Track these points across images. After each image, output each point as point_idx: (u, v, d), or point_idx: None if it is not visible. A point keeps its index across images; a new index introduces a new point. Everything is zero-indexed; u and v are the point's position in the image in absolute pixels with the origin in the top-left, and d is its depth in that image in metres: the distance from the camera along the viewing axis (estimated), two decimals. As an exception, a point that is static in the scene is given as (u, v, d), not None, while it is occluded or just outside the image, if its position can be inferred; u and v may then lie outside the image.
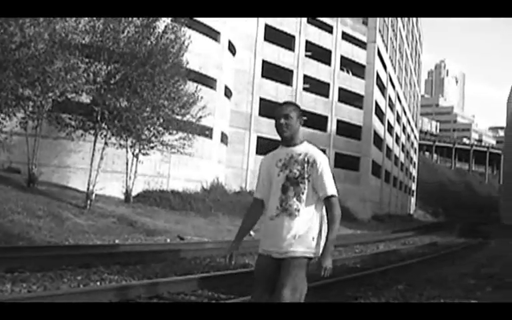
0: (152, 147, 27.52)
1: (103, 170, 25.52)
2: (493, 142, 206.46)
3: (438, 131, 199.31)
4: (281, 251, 4.83)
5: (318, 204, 4.93)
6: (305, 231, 4.81)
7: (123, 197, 28.84)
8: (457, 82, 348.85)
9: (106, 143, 25.07)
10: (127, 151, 27.40)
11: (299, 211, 4.82)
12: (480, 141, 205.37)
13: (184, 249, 16.48)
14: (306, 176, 4.87)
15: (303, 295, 4.77)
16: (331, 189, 4.87)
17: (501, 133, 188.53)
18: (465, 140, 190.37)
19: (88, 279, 10.89)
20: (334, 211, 4.85)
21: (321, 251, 4.84)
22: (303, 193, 4.85)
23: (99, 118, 24.48)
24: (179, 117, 27.93)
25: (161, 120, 26.70)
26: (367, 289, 11.76)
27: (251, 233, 28.99)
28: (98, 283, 10.62)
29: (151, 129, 26.65)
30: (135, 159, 28.17)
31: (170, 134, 27.91)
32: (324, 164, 4.91)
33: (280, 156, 5.01)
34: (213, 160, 38.69)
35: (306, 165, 4.88)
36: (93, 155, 24.58)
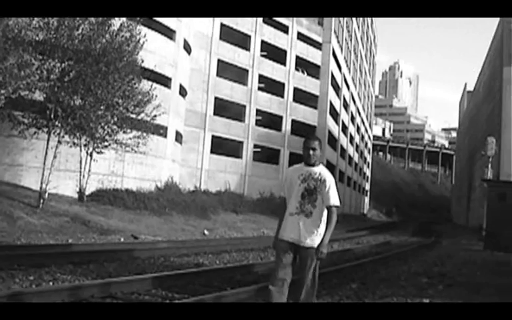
0: (106, 146, 27.27)
1: (56, 168, 25.27)
2: (446, 143, 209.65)
3: (392, 131, 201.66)
4: (299, 240, 6.77)
5: (325, 210, 6.84)
6: (315, 227, 6.78)
7: (76, 195, 28.51)
8: (410, 83, 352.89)
9: (59, 141, 24.82)
10: (81, 150, 27.08)
11: (311, 213, 6.80)
12: (433, 141, 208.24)
13: (138, 249, 16.41)
14: (318, 190, 6.84)
15: (317, 272, 6.85)
16: (334, 200, 6.84)
17: (454, 134, 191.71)
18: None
19: (40, 279, 10.78)
20: (332, 217, 6.85)
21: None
22: (315, 201, 6.82)
23: (52, 116, 24.22)
24: (133, 116, 27.68)
25: (115, 118, 26.52)
26: (321, 288, 11.82)
27: (205, 231, 28.87)
28: (50, 283, 10.52)
29: (105, 127, 26.44)
30: (88, 158, 27.86)
31: (124, 132, 27.69)
32: (331, 183, 6.89)
33: (301, 171, 7.04)
34: (167, 159, 38.54)
35: (319, 182, 6.86)
36: (46, 153, 24.31)
